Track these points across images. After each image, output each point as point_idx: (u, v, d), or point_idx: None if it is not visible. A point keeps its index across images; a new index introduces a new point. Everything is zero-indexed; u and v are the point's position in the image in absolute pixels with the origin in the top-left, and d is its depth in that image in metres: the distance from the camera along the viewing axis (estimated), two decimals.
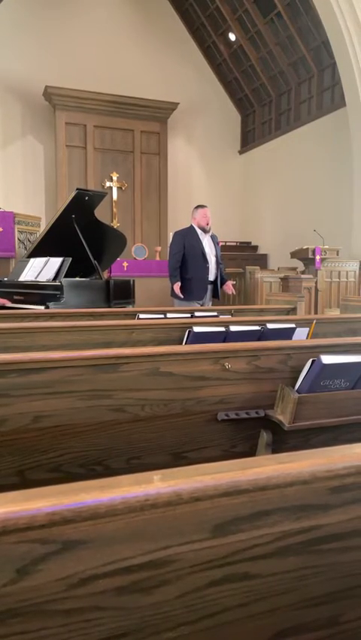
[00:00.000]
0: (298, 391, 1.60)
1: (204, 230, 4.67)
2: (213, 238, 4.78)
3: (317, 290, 6.75)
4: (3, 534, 0.52)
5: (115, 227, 8.21)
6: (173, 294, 4.70)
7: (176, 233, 4.80)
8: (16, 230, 6.09)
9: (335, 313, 6.01)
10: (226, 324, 2.30)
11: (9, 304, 4.09)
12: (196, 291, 4.63)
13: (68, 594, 0.57)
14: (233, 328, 2.14)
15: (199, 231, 4.67)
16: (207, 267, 4.63)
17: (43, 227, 5.57)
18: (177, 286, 4.62)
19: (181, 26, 10.84)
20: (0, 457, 1.42)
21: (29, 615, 0.56)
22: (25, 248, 6.07)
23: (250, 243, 11.24)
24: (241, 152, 11.57)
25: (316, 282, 6.74)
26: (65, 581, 0.57)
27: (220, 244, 4.96)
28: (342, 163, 8.26)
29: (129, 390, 1.55)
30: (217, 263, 4.73)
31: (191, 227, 4.72)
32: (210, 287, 4.71)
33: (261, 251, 11.03)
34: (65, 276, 3.99)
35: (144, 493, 0.58)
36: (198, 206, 4.78)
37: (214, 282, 4.73)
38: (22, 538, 0.53)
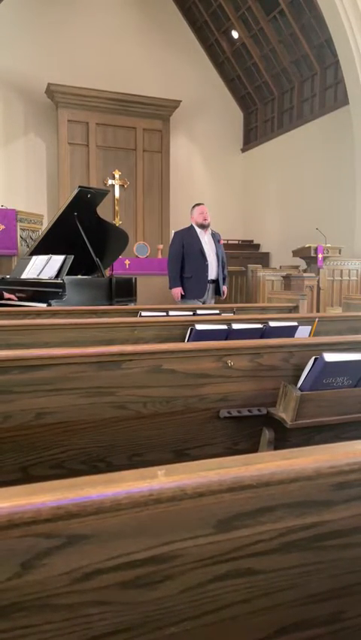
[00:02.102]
0: (300, 389, 1.60)
1: (203, 227, 4.67)
2: (215, 236, 4.77)
3: (319, 288, 6.74)
4: (8, 528, 0.53)
5: (117, 225, 8.21)
6: None
7: (176, 233, 4.81)
8: (18, 227, 6.11)
9: (337, 312, 6.00)
10: (228, 321, 2.30)
11: (15, 300, 4.10)
12: (196, 290, 4.62)
13: (72, 588, 0.57)
14: (235, 326, 2.14)
15: (198, 230, 4.67)
16: (207, 265, 4.61)
17: (45, 225, 5.58)
18: (176, 291, 4.62)
19: (184, 24, 10.82)
20: (3, 454, 1.42)
21: (33, 609, 0.57)
22: (28, 245, 6.09)
23: (252, 241, 11.23)
24: (243, 150, 11.55)
25: (318, 281, 6.73)
26: (69, 575, 0.57)
27: (222, 242, 4.94)
28: (345, 161, 8.24)
29: (131, 387, 1.55)
30: (218, 261, 4.71)
31: (190, 227, 4.72)
32: (210, 285, 4.69)
33: (263, 249, 11.02)
34: (67, 274, 3.99)
35: (149, 488, 0.58)
36: (195, 205, 4.79)
37: (216, 281, 4.71)
38: (27, 532, 0.54)
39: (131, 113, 9.94)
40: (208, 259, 4.62)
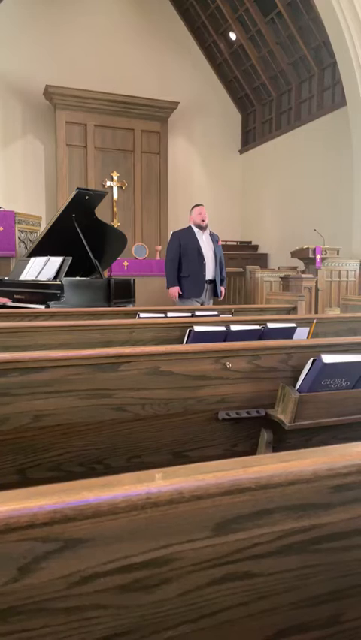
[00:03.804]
0: (298, 391, 1.60)
1: (201, 228, 4.68)
2: (213, 237, 4.78)
3: (317, 289, 6.74)
4: (5, 532, 0.52)
5: (115, 226, 8.20)
6: None
7: (173, 233, 4.83)
8: (16, 229, 6.09)
9: (335, 313, 6.00)
10: (227, 323, 2.30)
11: (9, 303, 4.09)
12: (193, 289, 4.63)
13: (69, 592, 0.57)
14: (234, 327, 2.14)
15: (196, 230, 4.69)
16: (204, 265, 4.62)
17: (43, 227, 5.57)
18: (174, 291, 4.63)
19: (182, 26, 10.83)
20: (1, 456, 1.42)
21: (31, 613, 0.56)
22: (26, 247, 6.07)
23: (250, 242, 11.23)
24: (241, 152, 11.56)
25: (316, 282, 6.73)
26: (67, 579, 0.57)
27: (220, 243, 4.95)
28: (343, 162, 8.25)
29: (130, 389, 1.55)
30: (216, 261, 4.72)
31: (188, 227, 4.74)
32: (208, 286, 4.69)
33: (261, 250, 11.02)
34: (66, 276, 3.99)
35: (146, 492, 0.58)
36: (194, 206, 4.82)
37: (213, 282, 4.71)
38: (24, 537, 0.53)
39: (129, 114, 9.95)
40: (205, 259, 4.64)
